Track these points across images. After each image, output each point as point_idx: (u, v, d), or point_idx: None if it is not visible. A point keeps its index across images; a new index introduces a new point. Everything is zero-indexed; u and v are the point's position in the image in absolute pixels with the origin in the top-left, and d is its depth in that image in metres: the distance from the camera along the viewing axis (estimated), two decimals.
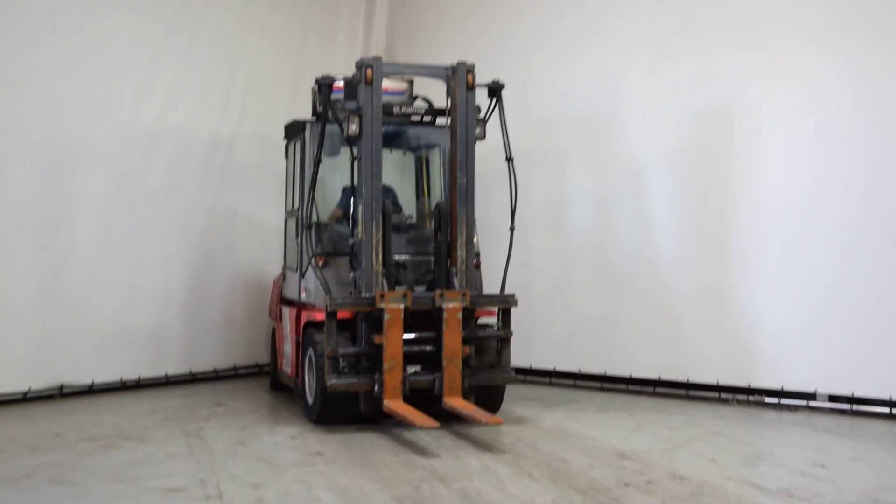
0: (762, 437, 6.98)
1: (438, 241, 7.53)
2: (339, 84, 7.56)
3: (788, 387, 8.22)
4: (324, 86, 7.44)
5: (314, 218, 7.58)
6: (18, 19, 8.34)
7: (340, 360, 7.05)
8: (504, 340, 7.48)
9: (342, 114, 7.31)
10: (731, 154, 8.56)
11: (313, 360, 7.42)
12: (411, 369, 7.17)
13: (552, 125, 9.63)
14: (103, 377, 9.03)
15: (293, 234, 8.39)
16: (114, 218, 9.07)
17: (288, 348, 8.37)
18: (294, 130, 8.49)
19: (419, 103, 7.96)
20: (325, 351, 6.98)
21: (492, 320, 7.71)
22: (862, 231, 7.86)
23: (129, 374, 9.27)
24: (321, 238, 7.75)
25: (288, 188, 8.77)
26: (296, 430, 7.24)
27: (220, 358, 10.12)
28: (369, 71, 7.20)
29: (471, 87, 7.43)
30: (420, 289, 7.53)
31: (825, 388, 8.06)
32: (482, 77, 7.53)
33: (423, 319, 7.29)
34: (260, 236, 10.40)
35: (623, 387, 9.17)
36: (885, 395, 7.75)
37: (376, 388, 6.96)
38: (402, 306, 6.99)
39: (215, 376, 10.04)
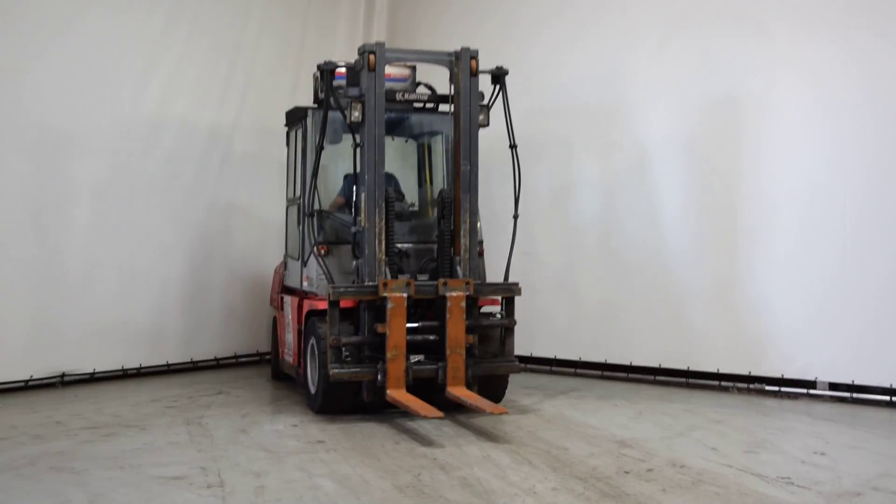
0: (762, 426, 6.99)
1: (442, 229, 7.47)
2: (342, 70, 7.47)
3: (789, 375, 8.22)
4: (326, 72, 7.37)
5: (316, 206, 7.53)
6: (19, 9, 8.32)
7: (343, 349, 7.00)
8: (508, 329, 7.43)
9: (344, 100, 7.25)
10: (736, 142, 8.52)
11: (315, 349, 7.39)
12: (414, 358, 7.12)
13: (556, 113, 9.59)
14: (104, 365, 9.05)
15: (295, 222, 8.35)
16: (114, 206, 9.07)
17: (289, 337, 8.35)
18: (295, 117, 8.43)
19: (422, 90, 7.88)
20: (327, 340, 6.94)
21: (495, 309, 7.66)
22: (864, 220, 7.85)
23: (131, 362, 9.28)
24: (323, 226, 7.71)
25: (289, 176, 8.73)
26: (297, 419, 7.25)
27: (220, 346, 10.13)
28: (372, 57, 7.13)
29: (474, 74, 7.35)
30: (423, 277, 7.47)
31: (825, 377, 8.07)
32: (485, 65, 7.47)
33: (426, 308, 7.24)
34: (260, 225, 10.39)
35: (624, 375, 9.17)
36: (885, 383, 7.75)
37: (379, 377, 6.92)
38: (405, 295, 6.94)
39: (216, 364, 10.05)
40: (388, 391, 6.87)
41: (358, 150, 7.30)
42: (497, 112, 7.60)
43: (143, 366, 9.39)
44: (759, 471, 5.63)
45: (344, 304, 7.05)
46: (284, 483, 5.39)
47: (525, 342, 8.87)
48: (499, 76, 7.62)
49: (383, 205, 7.18)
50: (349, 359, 7.03)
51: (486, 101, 7.54)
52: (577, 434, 6.69)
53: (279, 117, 8.97)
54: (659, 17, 8.99)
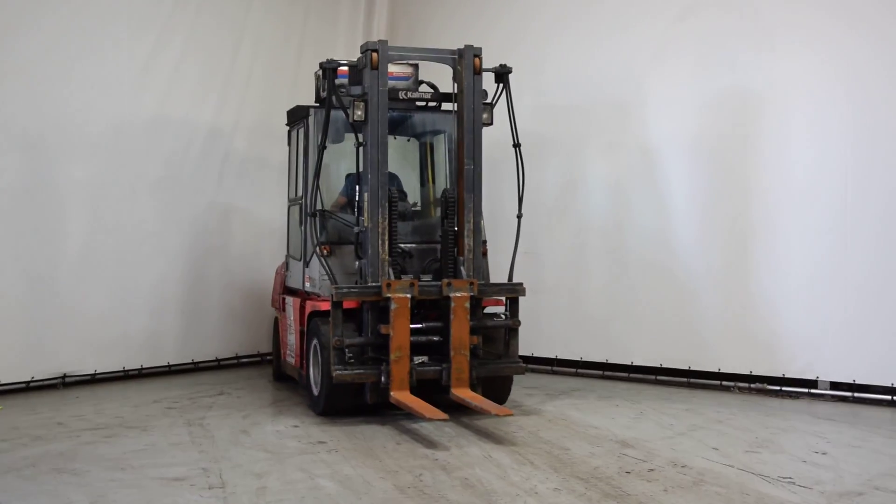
0: (764, 425, 6.98)
1: (445, 229, 7.42)
2: (344, 69, 7.43)
3: (790, 374, 8.22)
4: (328, 70, 7.32)
5: (318, 206, 7.47)
6: (17, 9, 8.31)
7: (346, 350, 6.94)
8: (512, 330, 7.37)
9: (347, 99, 7.20)
10: (740, 142, 8.49)
11: (318, 350, 7.32)
12: (418, 360, 7.05)
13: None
14: (105, 366, 9.05)
15: (296, 222, 8.31)
16: (114, 207, 9.06)
17: (292, 338, 8.32)
18: (297, 116, 8.38)
19: (424, 88, 7.82)
20: (330, 341, 6.87)
21: (498, 309, 7.61)
22: (865, 219, 7.84)
23: (132, 363, 9.29)
24: (326, 226, 7.66)
25: (291, 175, 8.69)
26: (298, 420, 7.25)
27: (221, 346, 10.13)
28: (375, 55, 7.08)
29: (478, 72, 7.31)
30: (426, 278, 7.43)
31: (827, 376, 8.07)
32: (487, 63, 7.44)
33: (430, 309, 7.18)
34: (261, 225, 10.40)
35: (625, 375, 9.17)
36: (886, 383, 7.75)
37: (383, 379, 6.87)
38: (409, 296, 6.89)
39: (217, 365, 10.05)
40: (391, 393, 6.82)
41: (360, 149, 7.25)
42: (502, 111, 7.54)
43: (144, 367, 9.39)
44: (761, 470, 5.63)
45: (347, 305, 6.99)
46: (286, 484, 5.39)
47: (526, 342, 8.82)
48: (502, 74, 7.57)
49: (386, 204, 7.14)
50: (352, 360, 6.98)
51: (489, 100, 7.50)
52: (579, 434, 6.68)
53: (279, 117, 8.97)
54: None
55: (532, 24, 9.89)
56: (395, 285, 6.90)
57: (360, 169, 7.27)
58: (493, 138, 7.70)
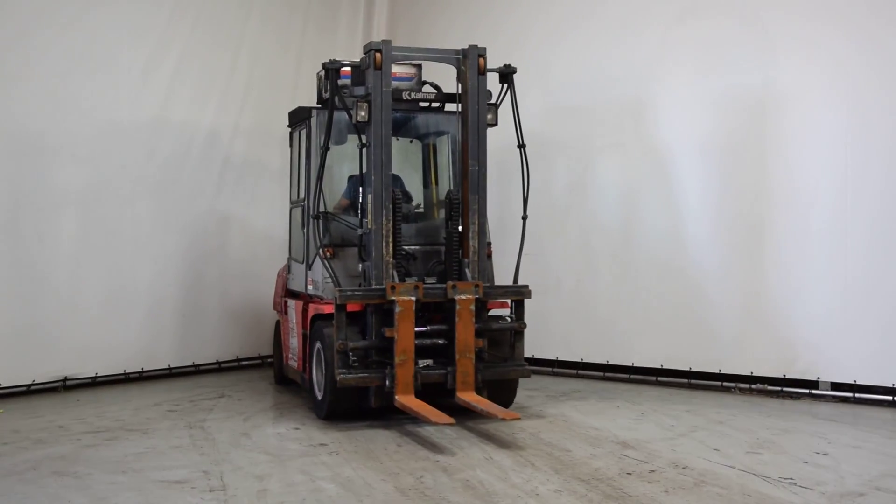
0: (765, 426, 6.98)
1: (449, 231, 7.36)
2: (347, 69, 7.37)
3: (791, 375, 8.22)
4: (331, 71, 7.24)
5: (321, 208, 7.41)
6: (16, 11, 8.33)
7: (350, 353, 6.87)
8: (518, 333, 7.30)
9: (350, 100, 7.14)
10: (743, 143, 8.46)
11: (322, 354, 7.25)
12: (422, 363, 6.95)
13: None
14: (106, 369, 9.05)
15: (299, 224, 8.24)
16: (114, 209, 9.09)
17: (294, 342, 8.27)
18: (299, 118, 8.32)
19: (427, 89, 7.75)
20: (334, 345, 6.80)
21: (503, 311, 7.54)
22: (866, 219, 7.83)
23: (132, 366, 9.29)
24: (329, 228, 7.57)
25: (293, 177, 8.64)
26: (299, 422, 7.25)
27: (222, 349, 10.14)
28: (378, 55, 7.01)
29: (482, 72, 7.25)
30: (430, 280, 7.36)
31: (827, 377, 8.07)
32: (491, 63, 7.37)
33: (434, 311, 7.11)
34: (261, 227, 10.41)
35: (625, 376, 9.17)
36: (887, 383, 7.74)
37: (387, 382, 6.80)
38: (413, 298, 6.82)
39: (218, 367, 10.06)
40: (396, 397, 6.75)
41: (364, 150, 7.19)
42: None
43: (144, 370, 9.40)
44: (762, 471, 5.63)
45: (351, 308, 6.92)
46: (287, 486, 5.39)
47: (527, 344, 8.84)
48: (507, 74, 7.51)
49: (390, 206, 7.07)
50: (356, 364, 6.90)
51: (494, 100, 7.45)
52: (580, 435, 6.68)
53: (278, 119, 8.95)
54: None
55: (537, 25, 9.86)
56: (399, 288, 6.83)
57: (364, 170, 7.22)
58: (501, 140, 7.66)
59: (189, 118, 9.68)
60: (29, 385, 8.44)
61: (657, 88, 9.00)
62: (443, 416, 6.37)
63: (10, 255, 8.30)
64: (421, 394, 6.84)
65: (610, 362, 9.31)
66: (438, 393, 6.93)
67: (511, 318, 7.41)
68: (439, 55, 7.45)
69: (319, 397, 7.35)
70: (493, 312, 7.50)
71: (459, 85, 7.38)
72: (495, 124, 7.44)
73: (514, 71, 7.53)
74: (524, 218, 7.61)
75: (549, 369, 9.68)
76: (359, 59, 7.34)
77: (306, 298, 8.00)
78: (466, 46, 7.28)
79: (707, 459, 5.93)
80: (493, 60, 7.52)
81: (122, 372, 9.20)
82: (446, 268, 7.37)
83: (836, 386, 8.04)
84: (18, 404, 8.04)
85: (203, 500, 5.14)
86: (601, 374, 9.35)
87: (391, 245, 7.07)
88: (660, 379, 8.97)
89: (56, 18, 8.55)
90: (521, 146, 7.57)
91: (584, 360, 9.50)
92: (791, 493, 5.17)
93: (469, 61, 7.25)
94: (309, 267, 7.91)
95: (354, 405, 7.11)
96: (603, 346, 9.35)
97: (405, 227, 7.39)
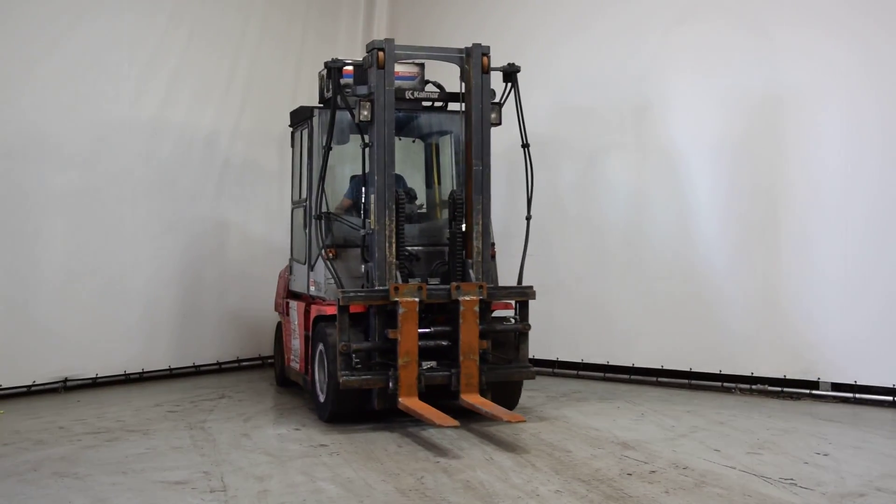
0: (765, 427, 6.98)
1: (453, 231, 7.32)
2: (349, 69, 7.31)
3: (791, 375, 8.22)
4: (333, 70, 7.18)
5: (324, 208, 7.36)
6: (16, 18, 8.34)
7: (353, 355, 6.81)
8: (522, 334, 7.24)
9: (352, 99, 7.09)
10: (745, 144, 8.45)
11: (324, 355, 7.21)
12: (426, 365, 6.90)
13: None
14: (107, 370, 9.05)
15: (300, 225, 8.19)
16: (115, 211, 9.09)
17: (296, 343, 8.23)
18: (301, 117, 8.25)
19: (430, 88, 7.65)
20: (337, 346, 6.75)
21: (507, 312, 7.48)
22: (866, 219, 7.83)
23: (133, 367, 9.29)
24: (331, 229, 7.51)
25: (294, 177, 8.60)
26: (299, 423, 7.25)
27: (222, 350, 10.13)
28: (381, 54, 6.95)
29: (486, 71, 7.20)
30: (434, 281, 7.31)
31: (828, 377, 8.06)
32: (495, 62, 7.36)
33: (438, 313, 7.05)
34: (262, 227, 10.41)
35: (626, 377, 9.17)
36: (887, 384, 7.74)
37: (391, 384, 6.74)
38: (417, 299, 6.76)
39: (218, 368, 10.05)
40: (400, 399, 6.70)
41: (367, 150, 7.15)
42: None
43: (145, 370, 9.40)
44: (763, 472, 5.63)
45: (354, 309, 6.85)
46: (287, 487, 5.39)
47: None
48: (511, 73, 7.47)
49: (393, 206, 7.03)
50: (359, 365, 6.85)
51: (497, 99, 7.41)
52: (580, 436, 6.68)
53: (277, 121, 8.95)
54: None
55: (542, 26, 9.84)
56: (402, 289, 6.78)
57: (367, 170, 7.18)
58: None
59: (188, 121, 9.68)
60: (29, 386, 8.45)
61: (664, 89, 8.96)
62: (447, 419, 6.33)
63: (11, 256, 8.30)
64: (424, 396, 6.78)
65: (610, 363, 9.31)
66: (442, 395, 6.88)
67: (515, 319, 7.35)
68: (443, 54, 7.39)
69: (322, 399, 7.31)
70: (496, 313, 7.45)
71: (463, 84, 7.32)
72: (499, 123, 7.40)
73: (517, 70, 7.49)
74: (528, 218, 7.58)
75: (550, 370, 9.68)
76: (361, 59, 7.30)
77: (308, 300, 7.96)
78: (471, 45, 7.21)
79: (707, 460, 5.93)
80: (497, 62, 7.52)
81: (123, 373, 9.20)
82: (450, 269, 7.34)
83: (836, 386, 8.03)
84: (19, 405, 8.05)
85: (204, 501, 5.15)
86: (601, 374, 9.35)
87: (394, 246, 7.02)
88: (660, 379, 8.97)
89: (56, 24, 8.55)
90: (525, 146, 7.53)
91: (585, 361, 9.50)
92: (791, 494, 5.17)
93: (473, 60, 7.20)
94: (311, 268, 7.87)
95: (357, 407, 7.06)
96: (603, 346, 9.35)
97: (408, 228, 7.34)
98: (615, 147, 9.34)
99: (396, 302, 6.74)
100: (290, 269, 8.82)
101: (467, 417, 6.95)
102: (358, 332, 6.96)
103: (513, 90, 7.49)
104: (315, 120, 7.79)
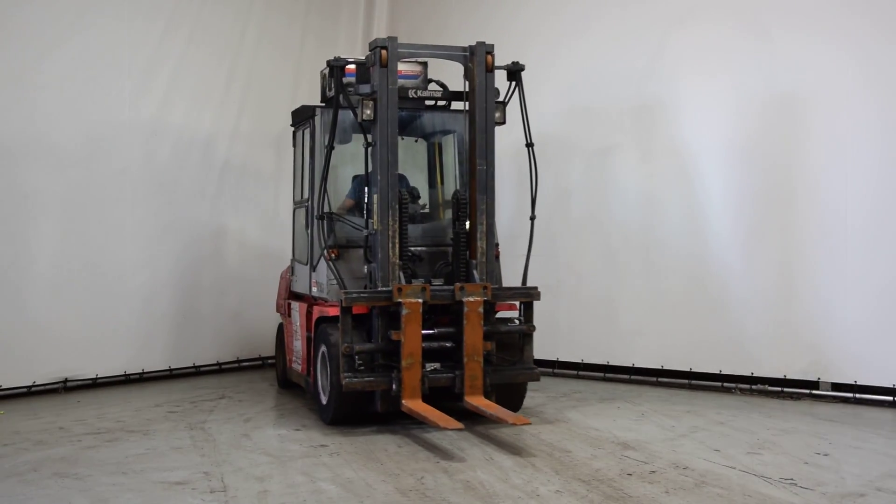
0: (765, 427, 6.98)
1: (457, 232, 7.27)
2: (352, 67, 7.26)
3: (791, 375, 8.22)
4: (336, 68, 7.11)
5: (326, 208, 7.31)
6: (16, 21, 8.35)
7: (356, 357, 6.73)
8: (527, 335, 7.18)
9: (355, 98, 7.03)
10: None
11: (327, 357, 7.16)
12: (430, 366, 6.82)
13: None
14: (107, 370, 9.05)
15: (302, 225, 8.14)
16: (115, 211, 9.10)
17: (298, 345, 8.19)
18: (303, 117, 8.17)
19: (434, 87, 7.59)
20: (339, 348, 6.68)
21: (511, 313, 7.43)
22: (866, 219, 7.83)
23: (133, 367, 9.30)
24: (333, 229, 7.44)
25: (296, 177, 8.54)
26: (300, 423, 7.25)
27: (223, 350, 10.14)
28: (384, 52, 6.88)
29: (490, 69, 7.13)
30: (437, 282, 7.25)
31: (828, 377, 8.06)
32: (500, 61, 7.31)
33: (441, 314, 6.97)
34: (262, 228, 10.41)
35: (626, 377, 9.17)
36: (887, 384, 7.74)
37: (394, 386, 6.67)
38: (420, 301, 6.69)
39: (219, 369, 10.06)
40: (403, 401, 6.63)
41: (369, 149, 7.09)
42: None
43: (145, 370, 9.40)
44: (763, 472, 5.63)
45: (356, 310, 6.78)
46: (287, 487, 5.39)
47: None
48: (515, 72, 7.41)
49: (396, 206, 6.97)
50: (362, 367, 6.77)
51: (502, 98, 7.36)
52: (580, 436, 6.68)
53: (276, 124, 8.94)
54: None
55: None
56: (406, 290, 6.71)
57: (369, 170, 7.13)
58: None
59: (187, 123, 9.69)
60: (29, 386, 8.45)
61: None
62: (451, 421, 6.27)
63: (11, 257, 8.31)
64: (428, 398, 6.72)
65: (610, 363, 9.31)
66: (446, 397, 6.83)
67: (519, 320, 7.31)
68: (446, 52, 7.32)
69: (324, 402, 7.25)
70: (500, 314, 7.40)
71: (466, 83, 7.26)
72: (503, 123, 7.35)
73: (522, 68, 7.43)
74: (532, 218, 7.53)
75: (550, 370, 9.68)
76: (364, 57, 7.25)
77: (310, 301, 7.91)
78: (475, 43, 7.17)
79: (708, 460, 5.93)
80: (501, 60, 7.49)
81: (123, 373, 9.20)
82: (453, 269, 7.29)
83: (836, 386, 8.03)
84: (19, 405, 8.05)
85: (204, 502, 5.15)
86: (601, 374, 9.35)
87: (397, 246, 6.96)
88: (660, 380, 8.97)
89: (55, 26, 8.56)
90: (529, 145, 7.49)
91: (585, 361, 9.50)
92: (792, 494, 5.17)
93: (477, 58, 7.14)
94: (313, 268, 7.80)
95: (360, 409, 7.00)
96: (603, 346, 9.35)
97: (411, 228, 7.28)
98: (621, 147, 9.33)
99: (400, 303, 6.68)
100: (291, 269, 8.76)
101: (471, 419, 6.92)
102: (361, 334, 6.90)
103: (517, 89, 7.44)
104: (317, 119, 7.73)
